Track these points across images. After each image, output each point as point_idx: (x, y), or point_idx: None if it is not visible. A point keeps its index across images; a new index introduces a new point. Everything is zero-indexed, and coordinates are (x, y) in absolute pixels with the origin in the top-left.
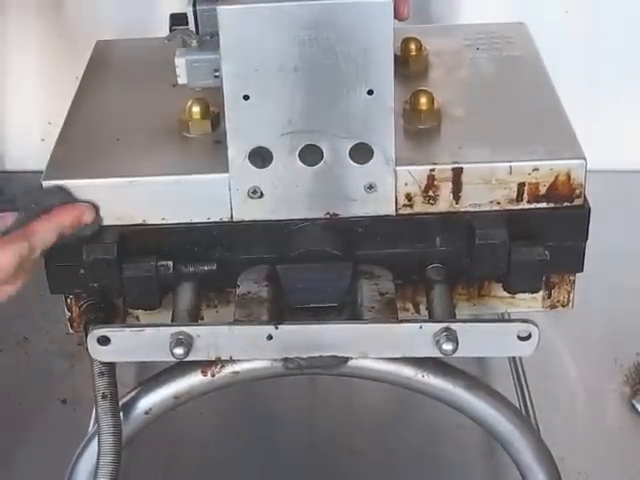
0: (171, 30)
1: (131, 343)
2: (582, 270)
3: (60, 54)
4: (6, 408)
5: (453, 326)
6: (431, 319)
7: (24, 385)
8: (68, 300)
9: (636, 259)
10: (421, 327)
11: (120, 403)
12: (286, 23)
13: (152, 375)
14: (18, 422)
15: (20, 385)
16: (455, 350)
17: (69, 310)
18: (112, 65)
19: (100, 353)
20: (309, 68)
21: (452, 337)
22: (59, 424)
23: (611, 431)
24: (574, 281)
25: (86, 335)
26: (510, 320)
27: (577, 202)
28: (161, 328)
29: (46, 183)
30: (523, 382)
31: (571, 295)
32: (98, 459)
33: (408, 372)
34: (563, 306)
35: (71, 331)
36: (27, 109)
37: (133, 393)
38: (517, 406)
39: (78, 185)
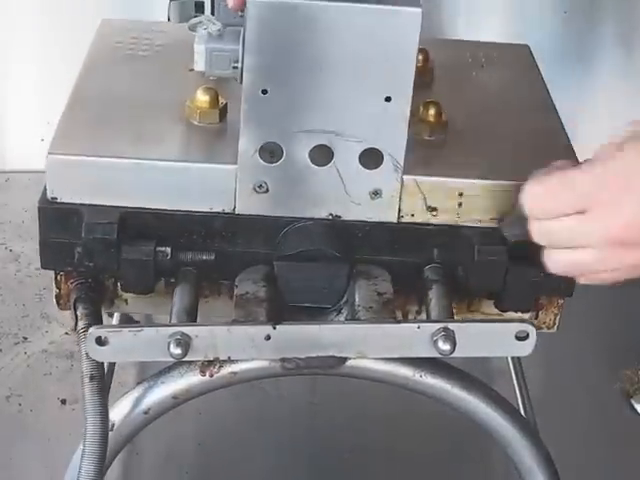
0: (169, 18)
1: (129, 343)
2: (571, 295)
3: (60, 54)
4: (6, 408)
5: (451, 326)
6: (429, 319)
7: (24, 385)
8: (58, 277)
9: None
10: (419, 327)
11: (119, 403)
12: (315, 22)
13: (151, 375)
14: (18, 422)
15: (20, 385)
16: (453, 350)
17: (58, 287)
18: (117, 44)
19: (98, 353)
20: (331, 68)
21: (450, 337)
22: (59, 424)
23: (611, 431)
24: (562, 305)
25: (75, 312)
26: (508, 320)
27: None
28: (159, 328)
29: (51, 157)
30: (522, 382)
31: (557, 318)
32: (84, 442)
33: (406, 372)
34: (548, 328)
35: (58, 308)
36: (27, 109)
37: (132, 393)
38: (516, 406)
39: (85, 162)
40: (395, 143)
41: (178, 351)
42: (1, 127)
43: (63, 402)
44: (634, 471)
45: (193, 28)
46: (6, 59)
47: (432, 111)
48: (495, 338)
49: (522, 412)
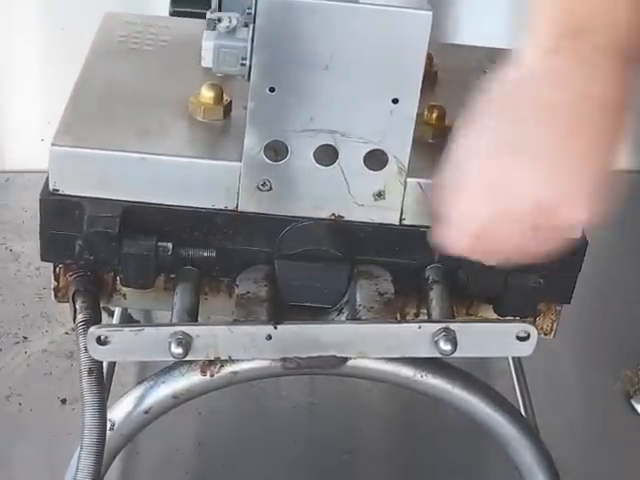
0: (171, 13)
1: (130, 343)
2: (570, 302)
3: (60, 55)
4: (6, 408)
5: (452, 326)
6: (430, 319)
7: (24, 385)
8: (57, 269)
9: (637, 259)
10: (420, 327)
11: (119, 402)
12: (325, 21)
13: (151, 375)
14: (18, 422)
15: (20, 385)
16: (454, 350)
17: (56, 279)
18: (121, 38)
19: (99, 352)
20: (339, 69)
21: (451, 337)
22: (59, 424)
23: (611, 431)
24: (560, 312)
25: (73, 305)
26: (509, 320)
27: (575, 234)
28: (160, 328)
29: (54, 149)
30: (523, 382)
31: (555, 325)
32: (82, 435)
33: (407, 372)
34: (545, 334)
35: (55, 300)
36: (27, 109)
37: (132, 392)
38: (517, 406)
39: (88, 154)
40: (401, 145)
41: (179, 351)
42: (1, 127)
43: (63, 402)
44: (634, 471)
45: (210, 25)
46: (6, 59)
47: (436, 114)
48: (496, 338)
49: (522, 412)
